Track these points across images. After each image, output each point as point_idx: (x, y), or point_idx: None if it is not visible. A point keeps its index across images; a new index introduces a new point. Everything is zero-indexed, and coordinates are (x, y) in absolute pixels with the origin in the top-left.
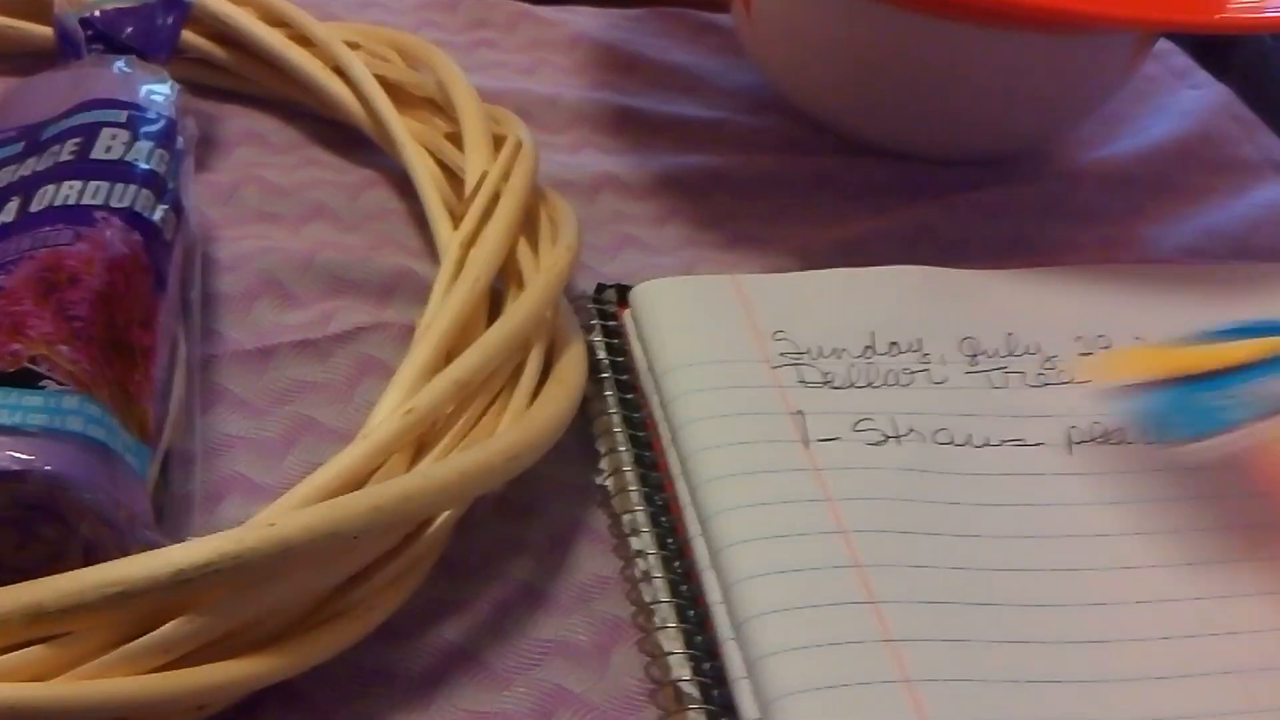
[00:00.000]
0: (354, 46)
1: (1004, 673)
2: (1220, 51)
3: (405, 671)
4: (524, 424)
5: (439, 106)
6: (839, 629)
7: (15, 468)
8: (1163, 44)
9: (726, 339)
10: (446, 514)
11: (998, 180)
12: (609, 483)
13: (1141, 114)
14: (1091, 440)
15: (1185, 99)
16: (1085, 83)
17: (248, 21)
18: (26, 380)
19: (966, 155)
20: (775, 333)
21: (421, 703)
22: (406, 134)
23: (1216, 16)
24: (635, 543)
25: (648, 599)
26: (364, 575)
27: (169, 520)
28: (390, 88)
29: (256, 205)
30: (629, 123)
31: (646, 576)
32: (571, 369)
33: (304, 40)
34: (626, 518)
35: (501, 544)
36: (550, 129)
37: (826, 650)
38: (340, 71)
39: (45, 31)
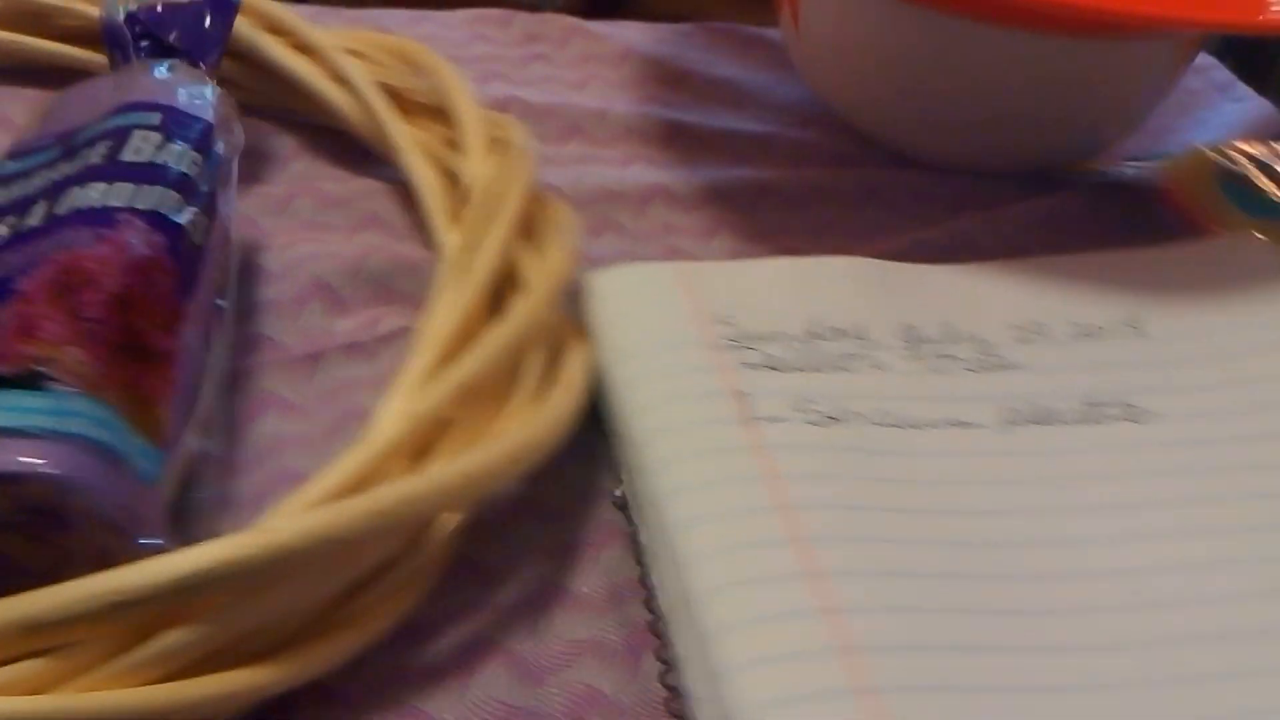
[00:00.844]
0: (355, 54)
1: (943, 639)
2: (1261, 66)
3: (441, 667)
4: (527, 425)
5: (439, 113)
6: (779, 602)
7: (17, 470)
8: (1204, 59)
9: (671, 325)
10: (452, 518)
11: (1042, 192)
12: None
13: (1184, 127)
14: (1027, 422)
15: (1227, 112)
16: (1130, 93)
17: (248, 31)
18: (33, 382)
19: (1012, 168)
20: (720, 318)
21: (457, 693)
22: (409, 140)
23: (1262, 17)
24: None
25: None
26: (370, 581)
27: (187, 525)
28: (391, 94)
29: (309, 216)
30: (678, 136)
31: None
32: (575, 370)
33: (304, 48)
34: (632, 525)
35: (536, 548)
36: (600, 143)
37: (767, 623)
38: (340, 79)
39: (102, 60)
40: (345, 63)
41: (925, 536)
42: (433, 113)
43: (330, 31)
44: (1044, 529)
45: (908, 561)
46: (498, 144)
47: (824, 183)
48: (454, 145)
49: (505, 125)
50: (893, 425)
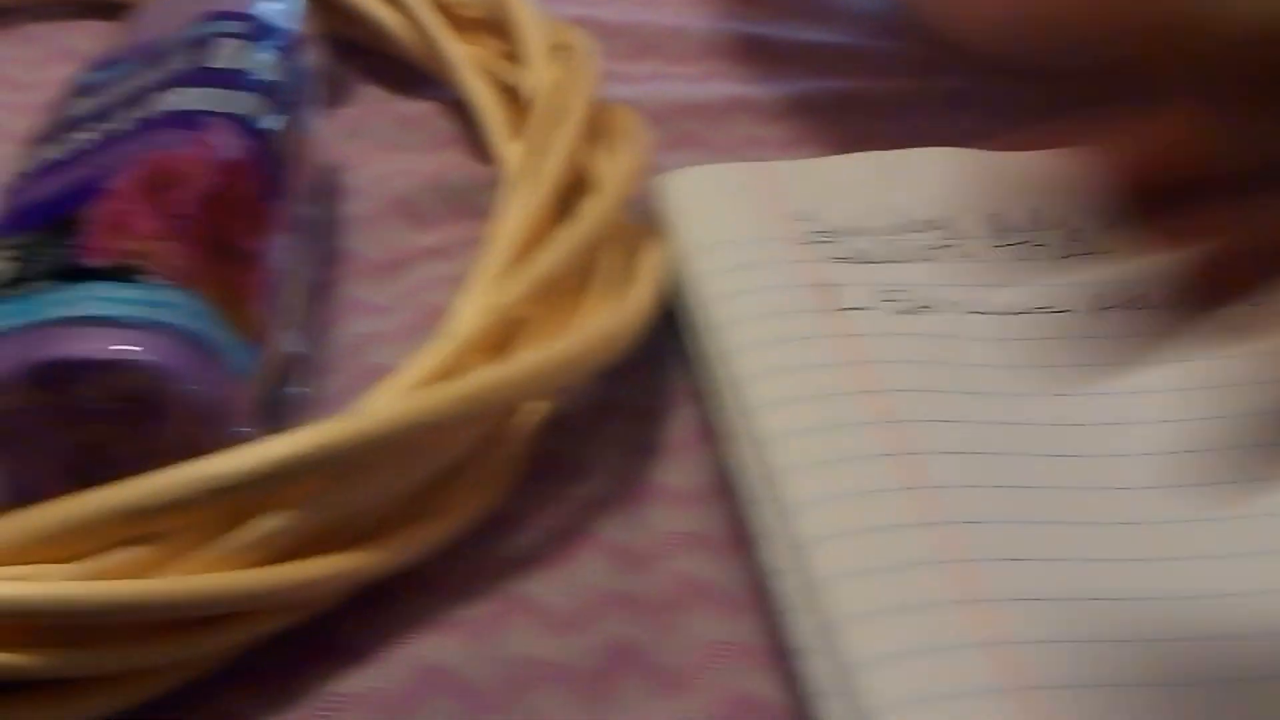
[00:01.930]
0: None
1: (1031, 514)
2: None
3: (540, 555)
4: (607, 317)
5: (495, 26)
6: (868, 480)
7: (113, 357)
8: None
9: (754, 219)
10: (535, 411)
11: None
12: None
13: None
14: (1117, 305)
15: None
16: None
17: None
18: (127, 275)
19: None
20: (801, 215)
21: (560, 580)
22: (462, 58)
23: None
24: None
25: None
26: (457, 472)
27: (277, 421)
28: (443, 10)
29: (386, 137)
30: (758, 51)
31: None
32: (650, 267)
33: None
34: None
35: (622, 445)
36: (677, 59)
37: (855, 498)
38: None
39: None
40: None
41: (1009, 418)
42: (489, 26)
43: None
44: (1133, 409)
45: (993, 442)
46: (559, 50)
47: (912, 91)
48: (512, 58)
49: (566, 31)
50: (978, 313)
